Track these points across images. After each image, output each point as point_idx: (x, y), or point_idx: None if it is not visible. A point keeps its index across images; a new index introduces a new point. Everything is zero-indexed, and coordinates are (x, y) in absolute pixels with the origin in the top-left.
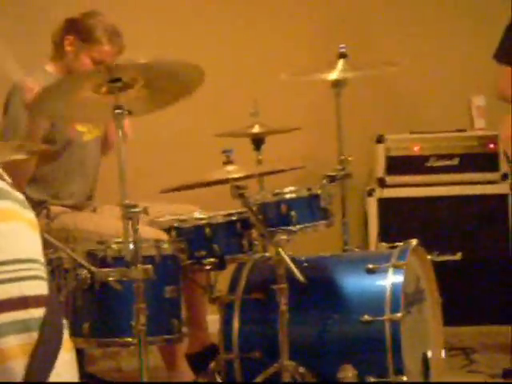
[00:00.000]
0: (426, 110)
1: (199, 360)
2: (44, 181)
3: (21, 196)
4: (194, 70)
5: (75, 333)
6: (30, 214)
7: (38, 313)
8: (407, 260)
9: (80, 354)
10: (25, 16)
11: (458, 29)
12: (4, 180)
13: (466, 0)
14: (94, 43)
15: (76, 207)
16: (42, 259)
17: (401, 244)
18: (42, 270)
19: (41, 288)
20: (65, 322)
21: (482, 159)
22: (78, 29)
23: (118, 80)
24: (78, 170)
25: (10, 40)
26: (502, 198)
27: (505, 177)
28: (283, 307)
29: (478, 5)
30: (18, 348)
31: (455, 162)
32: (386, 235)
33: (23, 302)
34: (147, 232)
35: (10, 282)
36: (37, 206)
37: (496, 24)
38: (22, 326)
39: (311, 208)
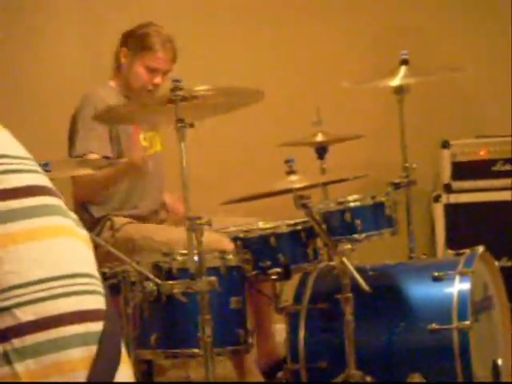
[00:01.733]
0: (490, 114)
1: (269, 370)
2: (106, 196)
3: (74, 215)
4: (255, 93)
5: (143, 345)
6: (83, 232)
7: (97, 327)
8: (474, 267)
9: (149, 364)
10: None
11: None
12: (56, 196)
13: None
14: (146, 51)
15: (141, 219)
16: (97, 274)
17: (467, 251)
18: (98, 285)
19: (98, 302)
20: (121, 335)
21: None
22: (131, 39)
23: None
24: (142, 184)
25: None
26: None
27: None
28: (349, 316)
29: None
30: (78, 361)
31: None
32: (453, 242)
33: (81, 316)
34: (213, 239)
35: (68, 296)
36: (99, 221)
37: None
38: (82, 340)
39: (376, 216)
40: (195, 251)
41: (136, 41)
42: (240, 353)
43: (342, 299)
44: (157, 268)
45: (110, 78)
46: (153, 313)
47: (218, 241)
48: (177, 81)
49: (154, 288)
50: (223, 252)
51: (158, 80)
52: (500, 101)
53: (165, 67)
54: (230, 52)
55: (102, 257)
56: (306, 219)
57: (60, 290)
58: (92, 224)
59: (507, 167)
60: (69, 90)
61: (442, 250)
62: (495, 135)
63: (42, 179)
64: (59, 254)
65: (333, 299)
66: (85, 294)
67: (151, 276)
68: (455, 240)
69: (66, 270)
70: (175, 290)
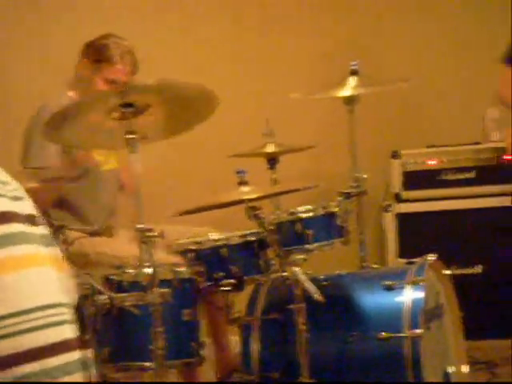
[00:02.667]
0: (440, 124)
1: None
2: (67, 205)
3: (41, 230)
4: (207, 93)
5: (95, 358)
6: (54, 251)
7: (76, 355)
8: (425, 275)
9: (102, 378)
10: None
11: (471, 42)
12: (22, 222)
13: (480, 14)
14: (105, 63)
15: (94, 233)
16: (68, 301)
17: (419, 259)
18: (68, 313)
19: (73, 331)
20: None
21: (497, 171)
22: (91, 51)
23: (131, 105)
24: (94, 198)
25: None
26: None
27: None
28: (301, 327)
29: (492, 18)
30: None
31: (472, 174)
32: (404, 251)
33: (61, 347)
34: (163, 258)
35: (37, 330)
36: (56, 230)
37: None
38: (64, 371)
39: (327, 226)
40: (147, 263)
41: (95, 52)
42: (192, 365)
43: (295, 309)
44: (109, 281)
45: (69, 88)
46: (105, 326)
47: (167, 256)
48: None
49: (106, 301)
50: (175, 264)
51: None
52: (449, 110)
53: (124, 79)
54: (180, 63)
55: None
56: (257, 230)
57: (31, 324)
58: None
59: (457, 176)
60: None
61: (392, 259)
62: (445, 145)
63: (6, 204)
64: (28, 287)
65: (285, 310)
66: (59, 324)
67: (103, 289)
68: (406, 249)
69: (33, 302)
70: (127, 303)
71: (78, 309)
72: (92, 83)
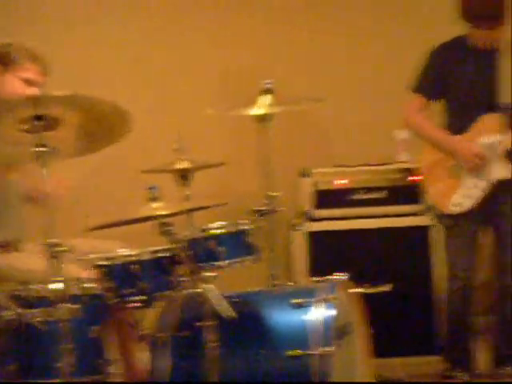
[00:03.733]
0: (351, 144)
1: None
2: None
3: None
4: (121, 112)
5: (2, 375)
6: None
7: None
8: (335, 294)
9: None
10: None
11: (382, 65)
12: None
13: (390, 39)
14: (15, 64)
15: (2, 247)
16: None
17: (329, 277)
18: None
19: None
20: None
21: (405, 192)
22: None
23: (42, 118)
24: (2, 212)
25: None
26: (425, 229)
27: (427, 209)
28: (211, 344)
29: (403, 44)
30: None
31: (380, 194)
32: (314, 269)
33: None
34: (73, 271)
35: None
36: None
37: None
38: None
39: (238, 243)
40: (56, 278)
41: (2, 57)
42: (99, 383)
43: (206, 327)
44: (15, 297)
45: None
46: (12, 343)
47: (77, 272)
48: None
49: (13, 317)
50: (85, 280)
51: (31, 92)
52: (360, 131)
53: (38, 79)
54: (91, 77)
55: None
56: (169, 246)
57: None
58: None
59: (367, 196)
60: None
61: (303, 277)
62: (355, 164)
63: None
64: None
65: (196, 327)
66: None
67: (9, 305)
68: (316, 267)
69: None
70: (34, 319)
71: None
72: (4, 84)
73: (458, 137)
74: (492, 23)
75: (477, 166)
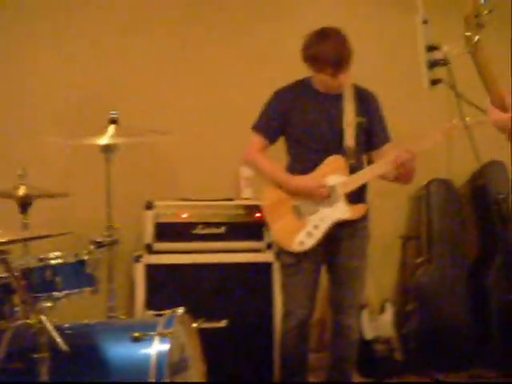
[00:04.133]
0: (196, 179)
1: None
2: None
3: None
4: None
5: None
6: None
7: None
8: (173, 328)
9: None
10: None
11: (229, 101)
12: None
13: (243, 73)
14: None
15: None
16: None
17: (167, 312)
18: None
19: None
20: None
21: (248, 228)
22: None
23: None
24: None
25: None
26: (267, 266)
27: (269, 246)
28: (44, 377)
29: (254, 76)
30: None
31: (222, 230)
32: (153, 302)
33: None
34: None
35: None
36: None
37: None
38: None
39: (77, 274)
40: None
41: None
42: None
43: (38, 359)
44: None
45: None
46: None
47: None
48: None
49: None
50: None
51: None
52: (205, 167)
53: None
54: None
55: None
56: (3, 275)
57: None
58: None
59: (207, 231)
60: None
61: (141, 311)
62: (197, 199)
63: None
64: None
65: (29, 358)
66: None
67: None
68: (155, 301)
69: None
70: None
71: None
72: None
73: (298, 177)
74: (336, 71)
75: (323, 196)
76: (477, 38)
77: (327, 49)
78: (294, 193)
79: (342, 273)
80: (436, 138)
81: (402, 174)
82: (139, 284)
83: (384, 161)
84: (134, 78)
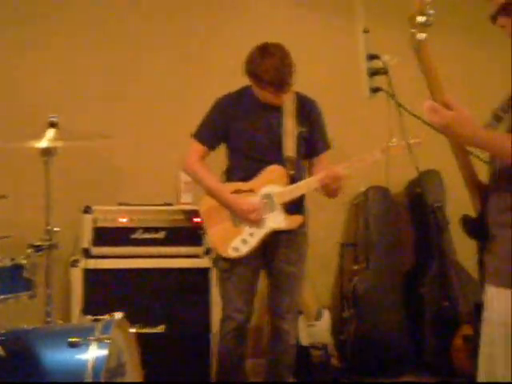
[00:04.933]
0: (136, 183)
1: None
2: None
3: None
4: None
5: None
6: None
7: None
8: (111, 333)
9: None
10: None
11: (171, 109)
12: None
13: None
14: None
15: None
16: None
17: (105, 317)
18: None
19: None
20: None
21: (187, 233)
22: None
23: None
24: None
25: None
26: (205, 271)
27: (207, 251)
28: None
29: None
30: None
31: (161, 235)
32: (90, 307)
33: None
34: None
35: None
36: None
37: None
38: None
39: (14, 278)
40: None
41: None
42: None
43: None
44: None
45: None
46: None
47: None
48: None
49: None
50: None
51: None
52: (145, 171)
53: None
54: None
55: None
56: None
57: None
58: None
59: (146, 236)
60: None
61: (78, 315)
62: (137, 204)
63: None
64: None
65: None
66: None
67: None
68: (92, 305)
69: None
70: None
71: None
72: None
73: (234, 195)
74: (278, 91)
75: (252, 221)
76: (424, 36)
77: (270, 69)
78: (228, 208)
79: (279, 278)
80: (376, 155)
81: (327, 192)
82: (76, 289)
83: (316, 177)
84: (74, 82)
